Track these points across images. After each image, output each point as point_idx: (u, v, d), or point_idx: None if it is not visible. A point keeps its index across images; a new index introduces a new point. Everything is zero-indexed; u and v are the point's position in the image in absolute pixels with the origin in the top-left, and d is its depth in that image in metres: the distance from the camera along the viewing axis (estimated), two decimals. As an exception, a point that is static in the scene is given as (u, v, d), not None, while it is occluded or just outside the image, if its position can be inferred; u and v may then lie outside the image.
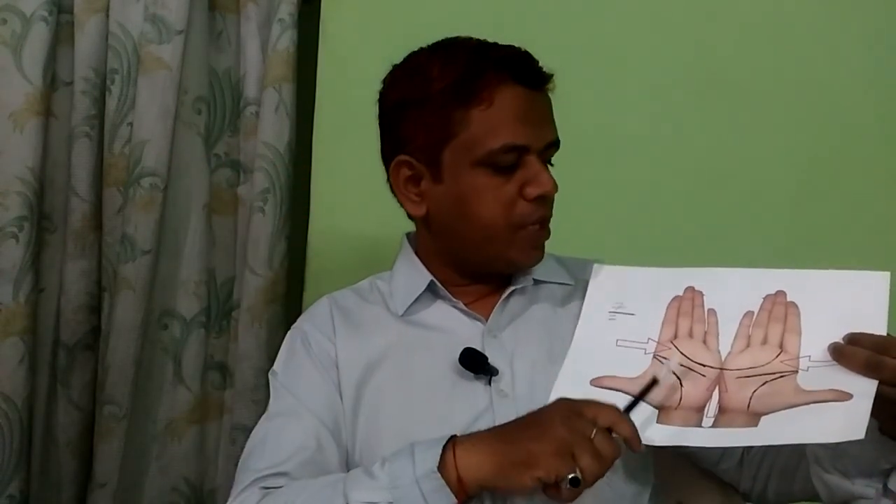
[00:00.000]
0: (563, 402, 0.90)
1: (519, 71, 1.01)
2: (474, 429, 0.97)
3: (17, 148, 1.55)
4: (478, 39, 1.05)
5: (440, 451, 0.87)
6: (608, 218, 1.62)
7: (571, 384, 0.99)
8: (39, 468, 1.66)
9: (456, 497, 0.85)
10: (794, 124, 1.58)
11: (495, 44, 1.04)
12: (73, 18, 1.60)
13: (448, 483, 0.85)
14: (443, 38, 1.07)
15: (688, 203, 1.61)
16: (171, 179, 1.63)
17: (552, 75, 1.05)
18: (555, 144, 1.05)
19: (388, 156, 1.09)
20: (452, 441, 0.88)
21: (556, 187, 1.02)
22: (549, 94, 1.06)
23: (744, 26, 1.60)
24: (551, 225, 1.08)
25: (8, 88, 1.54)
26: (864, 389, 0.83)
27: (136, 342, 1.62)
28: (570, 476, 0.81)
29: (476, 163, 1.00)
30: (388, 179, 1.09)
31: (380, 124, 1.10)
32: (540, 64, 1.04)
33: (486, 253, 1.05)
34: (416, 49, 1.08)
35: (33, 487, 1.65)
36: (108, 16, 1.60)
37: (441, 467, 0.86)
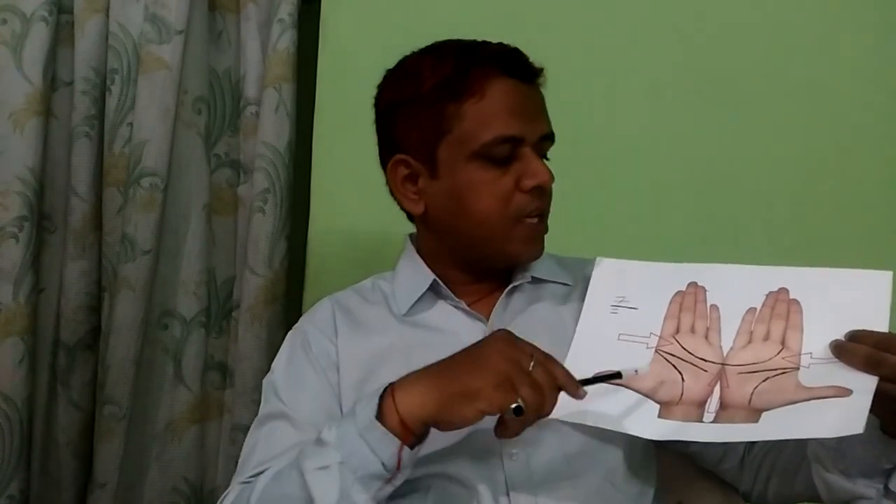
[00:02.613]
0: (500, 335, 0.90)
1: (509, 64, 1.02)
2: (479, 429, 0.97)
3: (17, 148, 1.55)
4: (468, 40, 1.06)
5: (377, 401, 0.86)
6: (608, 218, 1.62)
7: None
8: (39, 468, 1.66)
9: (403, 440, 0.85)
10: (794, 124, 1.58)
11: (485, 41, 1.05)
12: (73, 18, 1.61)
13: (391, 428, 0.85)
14: (443, 38, 1.07)
15: (688, 203, 1.61)
16: (171, 179, 1.63)
17: (542, 69, 1.05)
18: (549, 137, 1.06)
19: (384, 158, 1.09)
20: (391, 387, 0.88)
21: (552, 178, 1.03)
22: (542, 90, 1.07)
23: (743, 25, 1.60)
24: (551, 224, 1.08)
25: (8, 88, 1.55)
26: (865, 385, 0.83)
27: (136, 342, 1.62)
28: (513, 406, 0.81)
29: (471, 156, 1.01)
30: (387, 181, 1.10)
31: (376, 128, 1.11)
32: (530, 59, 1.05)
33: (484, 248, 1.06)
34: (411, 51, 1.09)
35: (33, 487, 1.65)
36: (108, 16, 1.61)
37: (382, 415, 0.85)
